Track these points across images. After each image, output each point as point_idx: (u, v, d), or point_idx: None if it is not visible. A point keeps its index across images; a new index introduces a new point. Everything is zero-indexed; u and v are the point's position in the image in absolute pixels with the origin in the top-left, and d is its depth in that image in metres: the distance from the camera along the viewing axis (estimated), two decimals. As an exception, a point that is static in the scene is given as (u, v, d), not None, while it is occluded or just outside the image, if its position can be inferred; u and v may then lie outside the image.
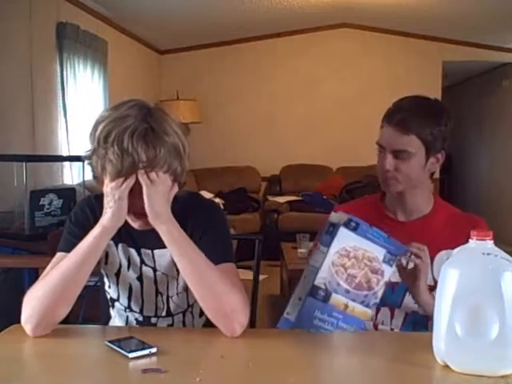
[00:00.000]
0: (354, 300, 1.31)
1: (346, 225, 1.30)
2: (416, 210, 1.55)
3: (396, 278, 1.48)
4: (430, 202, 1.57)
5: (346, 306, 1.31)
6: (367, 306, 1.31)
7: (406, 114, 1.47)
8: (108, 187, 1.22)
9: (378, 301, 1.33)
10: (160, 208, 1.23)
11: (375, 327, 1.55)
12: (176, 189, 1.30)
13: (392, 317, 1.53)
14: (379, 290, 1.32)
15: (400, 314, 1.52)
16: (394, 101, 1.56)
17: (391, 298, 1.50)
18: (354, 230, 1.30)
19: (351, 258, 1.30)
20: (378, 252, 1.31)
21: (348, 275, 1.31)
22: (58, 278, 1.22)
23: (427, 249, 1.37)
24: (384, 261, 1.32)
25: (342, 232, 1.30)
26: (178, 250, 1.25)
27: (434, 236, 1.51)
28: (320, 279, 1.31)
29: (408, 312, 1.51)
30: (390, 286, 1.47)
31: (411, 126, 1.45)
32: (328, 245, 1.31)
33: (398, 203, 1.56)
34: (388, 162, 1.49)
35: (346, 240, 1.30)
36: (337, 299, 1.30)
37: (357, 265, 1.31)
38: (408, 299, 1.50)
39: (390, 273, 1.33)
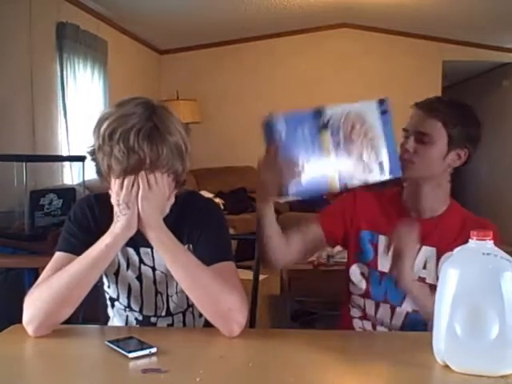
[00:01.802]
0: (336, 155, 1.30)
1: (380, 105, 1.32)
2: (430, 209, 1.54)
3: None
4: (444, 204, 1.56)
5: (328, 153, 1.29)
6: (340, 176, 1.31)
7: (436, 101, 1.52)
8: (120, 197, 1.22)
9: (354, 182, 1.33)
10: (151, 215, 1.23)
11: (373, 327, 1.55)
12: (172, 199, 1.31)
13: (392, 316, 1.53)
14: (358, 172, 1.32)
15: (400, 313, 1.52)
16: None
17: (393, 293, 1.51)
18: (383, 113, 1.32)
19: (362, 128, 1.31)
20: (382, 150, 1.32)
21: (349, 135, 1.31)
22: (65, 281, 1.21)
23: (417, 232, 1.37)
24: (379, 165, 1.32)
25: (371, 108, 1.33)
26: (168, 256, 1.25)
27: (446, 237, 1.49)
28: (329, 110, 1.32)
29: (409, 311, 1.51)
30: (393, 282, 1.49)
31: (438, 111, 1.48)
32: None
33: (414, 199, 1.55)
34: (409, 143, 1.49)
35: (370, 114, 1.32)
36: (326, 137, 1.28)
37: (361, 138, 1.31)
38: (408, 299, 1.50)
39: (371, 180, 1.34)
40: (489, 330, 1.00)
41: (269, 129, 1.32)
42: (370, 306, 1.55)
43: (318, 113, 1.30)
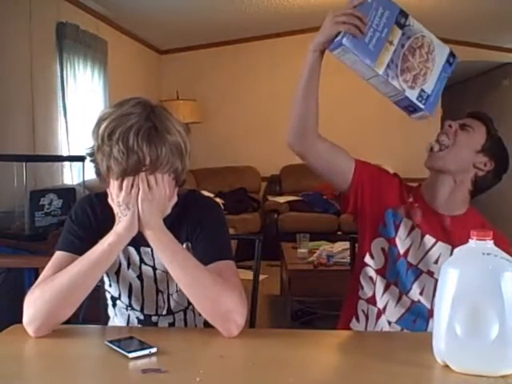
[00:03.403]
0: (395, 49, 1.35)
1: (450, 55, 1.41)
2: (445, 206, 1.56)
3: (412, 259, 1.53)
4: (462, 207, 1.58)
5: (390, 43, 1.34)
6: (389, 66, 1.34)
7: (487, 115, 1.61)
8: (120, 197, 1.23)
9: (393, 82, 1.34)
10: (150, 216, 1.23)
11: (378, 314, 1.57)
12: (175, 199, 1.31)
13: (399, 299, 1.55)
14: (403, 79, 1.35)
15: (407, 299, 1.54)
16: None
17: (404, 279, 1.54)
18: (448, 63, 1.41)
19: (427, 55, 1.38)
20: (431, 84, 1.38)
21: (414, 50, 1.36)
22: (66, 281, 1.21)
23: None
24: (421, 91, 1.36)
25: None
26: (166, 256, 1.25)
27: (463, 239, 1.50)
28: (410, 19, 1.37)
29: (414, 300, 1.54)
30: (405, 267, 1.53)
31: (486, 119, 1.58)
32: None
33: (431, 192, 1.57)
34: (453, 124, 1.56)
35: (439, 53, 1.40)
36: (396, 33, 1.35)
37: (421, 60, 1.37)
38: (415, 288, 1.54)
39: (408, 94, 1.36)
40: (489, 330, 0.99)
41: None
42: (380, 284, 1.57)
43: (404, 14, 1.37)
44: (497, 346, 0.99)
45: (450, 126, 1.55)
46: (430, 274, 1.53)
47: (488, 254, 1.02)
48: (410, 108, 1.38)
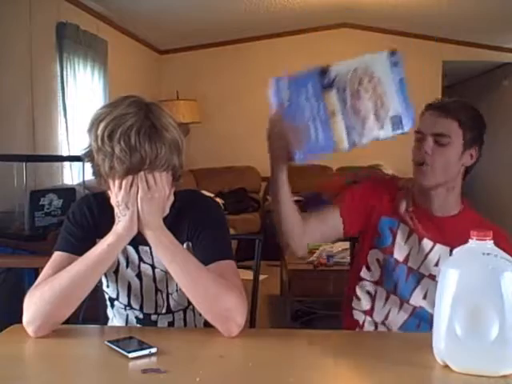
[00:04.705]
0: (342, 114, 1.27)
1: (391, 56, 1.30)
2: (440, 209, 1.55)
3: (413, 264, 1.52)
4: (457, 206, 1.57)
5: (333, 114, 1.26)
6: (349, 134, 1.27)
7: (448, 101, 1.52)
8: (119, 197, 1.22)
9: (363, 141, 1.29)
10: (150, 215, 1.23)
11: (375, 326, 1.55)
12: (172, 198, 1.31)
13: (401, 306, 1.54)
14: (368, 130, 1.28)
15: (408, 306, 1.53)
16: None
17: (403, 286, 1.53)
18: (395, 65, 1.29)
19: (371, 83, 1.27)
20: (394, 104, 1.27)
21: (357, 92, 1.27)
22: (66, 281, 1.21)
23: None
24: (391, 120, 1.27)
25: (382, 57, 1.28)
26: (166, 256, 1.25)
27: (460, 239, 1.50)
28: (334, 67, 1.27)
29: (416, 306, 1.53)
30: (405, 273, 1.52)
31: (455, 111, 1.47)
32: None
33: (424, 199, 1.56)
34: (427, 144, 1.47)
35: (379, 67, 1.28)
36: (331, 97, 1.25)
37: (369, 94, 1.27)
38: (417, 294, 1.53)
39: (383, 136, 1.29)
40: (489, 329, 1.00)
41: (274, 93, 1.29)
42: (380, 295, 1.56)
43: (323, 72, 1.28)
44: (497, 346, 0.99)
45: (425, 152, 1.48)
46: (432, 277, 1.51)
47: (488, 254, 1.02)
48: (397, 135, 1.32)
